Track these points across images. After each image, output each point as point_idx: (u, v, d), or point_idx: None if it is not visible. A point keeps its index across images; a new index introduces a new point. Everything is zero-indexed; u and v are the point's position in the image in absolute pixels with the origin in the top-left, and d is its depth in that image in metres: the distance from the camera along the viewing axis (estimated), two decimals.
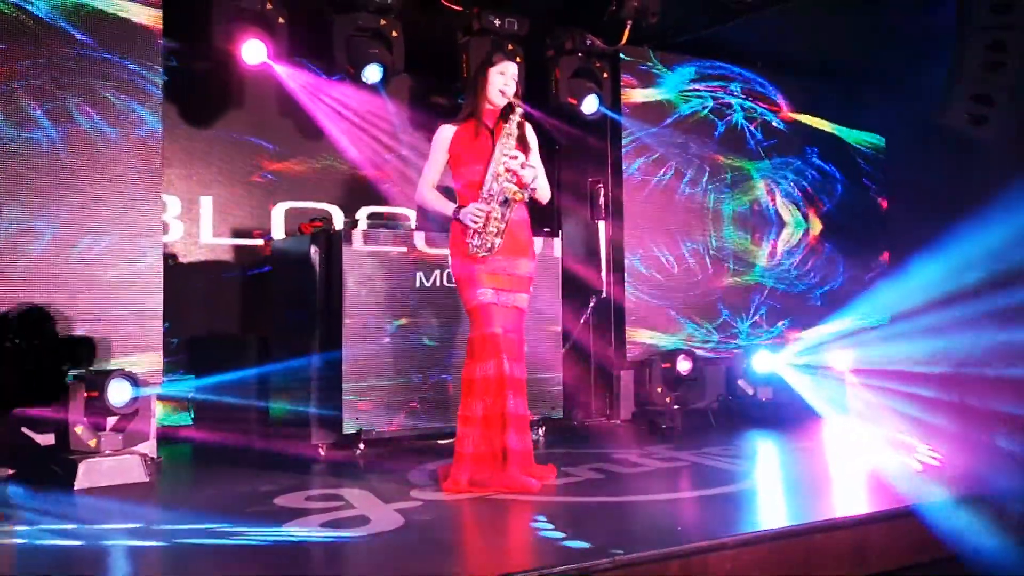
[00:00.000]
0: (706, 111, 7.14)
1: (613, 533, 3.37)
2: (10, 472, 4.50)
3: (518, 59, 6.16)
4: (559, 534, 3.32)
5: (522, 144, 4.14)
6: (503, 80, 4.14)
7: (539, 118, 6.64)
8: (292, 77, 6.07)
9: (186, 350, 5.94)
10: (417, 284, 5.25)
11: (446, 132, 4.21)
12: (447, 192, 4.29)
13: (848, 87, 7.69)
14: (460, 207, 4.09)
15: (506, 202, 4.02)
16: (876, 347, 6.43)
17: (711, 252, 7.09)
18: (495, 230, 4.02)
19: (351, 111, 6.45)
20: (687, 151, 7.01)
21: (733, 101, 7.27)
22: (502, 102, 4.15)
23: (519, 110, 4.10)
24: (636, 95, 6.84)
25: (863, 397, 6.30)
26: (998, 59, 5.15)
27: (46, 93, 4.60)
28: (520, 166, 4.06)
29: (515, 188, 4.01)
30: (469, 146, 4.15)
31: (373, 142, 6.59)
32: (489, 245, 4.02)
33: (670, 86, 6.99)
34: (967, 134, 5.33)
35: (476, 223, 4.01)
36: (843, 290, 7.63)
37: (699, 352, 6.69)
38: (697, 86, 7.12)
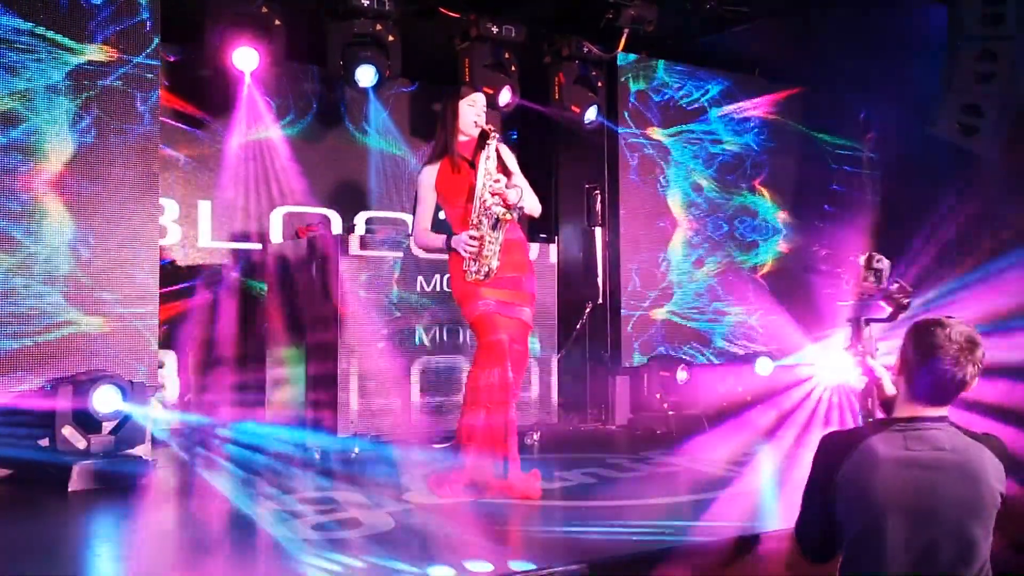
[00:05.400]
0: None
1: (604, 536, 3.39)
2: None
3: (514, 65, 6.24)
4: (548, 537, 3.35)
5: (502, 167, 4.15)
6: (474, 111, 4.17)
7: (536, 123, 6.68)
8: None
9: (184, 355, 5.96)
10: (417, 288, 5.28)
11: (429, 175, 4.23)
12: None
13: (836, 94, 7.72)
14: (453, 235, 4.12)
15: (497, 224, 4.05)
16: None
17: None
18: (490, 253, 4.04)
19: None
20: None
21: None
22: (476, 132, 4.17)
23: (495, 135, 4.11)
24: None
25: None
26: (989, 70, 5.18)
27: (43, 97, 4.62)
28: (505, 187, 4.07)
29: (503, 209, 4.04)
30: (452, 181, 4.18)
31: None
32: (487, 269, 4.04)
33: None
34: (958, 144, 5.34)
35: (470, 251, 4.04)
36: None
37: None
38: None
